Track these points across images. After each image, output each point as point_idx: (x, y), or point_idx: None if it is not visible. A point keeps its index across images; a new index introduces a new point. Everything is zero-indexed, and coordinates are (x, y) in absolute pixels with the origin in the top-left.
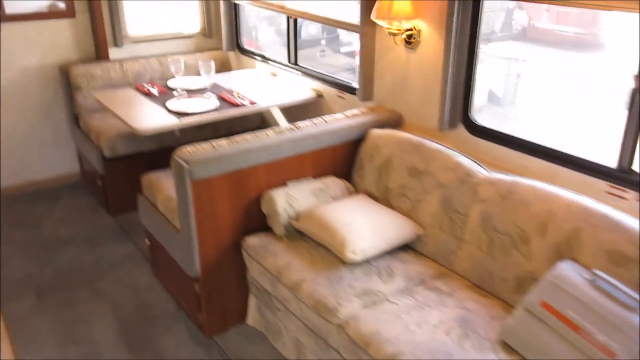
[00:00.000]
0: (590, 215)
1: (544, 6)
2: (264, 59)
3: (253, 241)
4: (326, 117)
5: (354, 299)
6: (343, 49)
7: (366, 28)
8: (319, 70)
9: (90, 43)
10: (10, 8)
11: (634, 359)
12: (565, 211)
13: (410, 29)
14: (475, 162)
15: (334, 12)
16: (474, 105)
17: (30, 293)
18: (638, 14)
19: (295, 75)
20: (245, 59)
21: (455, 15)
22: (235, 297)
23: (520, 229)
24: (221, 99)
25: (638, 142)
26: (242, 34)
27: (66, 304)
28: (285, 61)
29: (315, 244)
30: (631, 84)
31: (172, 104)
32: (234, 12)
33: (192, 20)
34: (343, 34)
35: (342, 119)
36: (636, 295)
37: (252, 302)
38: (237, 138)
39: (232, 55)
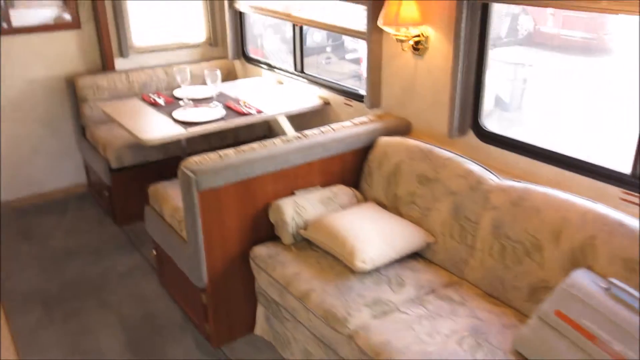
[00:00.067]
0: (605, 223)
1: (549, 10)
2: (270, 67)
3: (261, 251)
4: (334, 125)
5: (363, 308)
6: (348, 56)
7: (373, 35)
8: (325, 78)
9: (96, 54)
10: (17, 21)
11: None
12: (580, 218)
13: (418, 36)
14: (485, 169)
15: (340, 19)
16: (483, 111)
17: (37, 304)
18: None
19: (302, 83)
20: (251, 67)
21: (464, 20)
22: (243, 307)
23: (532, 236)
24: (227, 108)
25: None
26: (247, 42)
27: (73, 315)
28: (292, 69)
29: (324, 253)
30: None
31: (178, 113)
32: (239, 20)
33: (197, 30)
34: (348, 41)
35: (350, 127)
36: None
37: (260, 312)
38: (244, 147)
39: (238, 64)
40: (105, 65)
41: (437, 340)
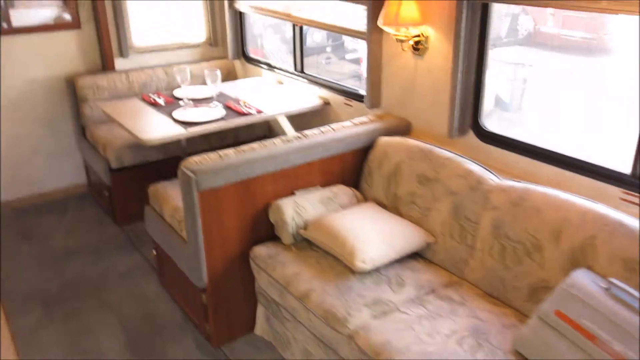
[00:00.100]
0: (605, 223)
1: (549, 10)
2: (270, 67)
3: (261, 251)
4: (334, 125)
5: (363, 308)
6: (348, 56)
7: (373, 35)
8: (325, 78)
9: (96, 54)
10: (17, 21)
11: None
12: (580, 218)
13: (418, 36)
14: (485, 169)
15: (340, 19)
16: (483, 111)
17: (37, 304)
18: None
19: (302, 83)
20: (251, 67)
21: (464, 20)
22: (243, 307)
23: (533, 236)
24: (227, 107)
25: None
26: (247, 42)
27: (73, 315)
28: (292, 69)
29: (324, 253)
30: None
31: (178, 113)
32: (240, 20)
33: (197, 30)
34: (348, 41)
35: (350, 127)
36: None
37: (260, 312)
38: (244, 147)
39: (238, 64)
40: (105, 65)
41: (437, 341)
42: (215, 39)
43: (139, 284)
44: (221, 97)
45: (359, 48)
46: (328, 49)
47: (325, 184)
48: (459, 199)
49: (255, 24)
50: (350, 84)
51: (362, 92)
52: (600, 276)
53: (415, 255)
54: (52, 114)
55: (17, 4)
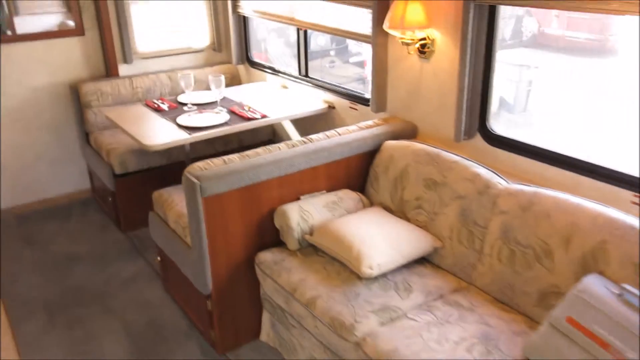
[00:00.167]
0: (617, 227)
1: (554, 12)
2: (274, 71)
3: (266, 257)
4: (339, 129)
5: (371, 315)
6: (352, 59)
7: (378, 38)
8: (330, 82)
9: (99, 60)
10: (21, 28)
11: None
12: (590, 223)
13: (424, 39)
14: (494, 172)
15: (344, 22)
16: (491, 114)
17: (40, 311)
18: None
19: (307, 87)
20: (255, 72)
21: (470, 23)
22: (249, 313)
23: (543, 241)
24: (232, 112)
25: None
26: (251, 47)
27: (77, 321)
28: (296, 73)
29: (330, 258)
30: None
31: (182, 119)
32: (243, 25)
33: (201, 35)
34: (352, 44)
35: (356, 131)
36: None
37: (266, 318)
38: (249, 152)
39: (242, 69)
40: (109, 71)
41: (446, 348)
42: (219, 44)
43: (143, 290)
44: (225, 102)
45: (363, 51)
46: (332, 53)
47: (331, 188)
48: (466, 203)
49: (259, 28)
50: (355, 87)
51: (367, 95)
52: (612, 281)
53: (423, 260)
54: (56, 120)
55: (21, 11)
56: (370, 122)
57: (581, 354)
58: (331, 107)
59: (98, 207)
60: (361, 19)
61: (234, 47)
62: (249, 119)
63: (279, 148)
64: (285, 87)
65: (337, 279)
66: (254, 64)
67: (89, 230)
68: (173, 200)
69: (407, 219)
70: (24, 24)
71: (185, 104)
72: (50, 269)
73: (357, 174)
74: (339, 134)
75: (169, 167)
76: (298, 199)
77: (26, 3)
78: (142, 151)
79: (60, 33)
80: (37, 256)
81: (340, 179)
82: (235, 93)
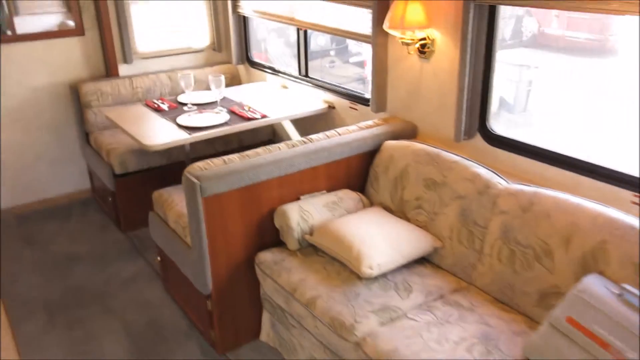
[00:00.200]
0: (617, 227)
1: (554, 12)
2: (274, 71)
3: (266, 257)
4: (339, 129)
5: (371, 315)
6: (352, 59)
7: (378, 38)
8: (330, 82)
9: (99, 60)
10: (21, 29)
11: None
12: (590, 223)
13: (424, 39)
14: (494, 172)
15: (344, 22)
16: (491, 114)
17: (40, 311)
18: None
19: (306, 87)
20: (255, 72)
21: (470, 23)
22: (249, 313)
23: (543, 241)
24: (232, 112)
25: None
26: (251, 47)
27: (76, 321)
28: (296, 73)
29: (330, 258)
30: None
31: (182, 119)
32: (243, 25)
33: (201, 35)
34: (352, 44)
35: (356, 131)
36: None
37: (266, 318)
38: (249, 152)
39: (242, 69)
40: (109, 71)
41: (446, 348)
42: (219, 44)
43: (143, 290)
44: (225, 102)
45: (363, 51)
46: (332, 53)
47: (331, 188)
48: (466, 203)
49: (259, 28)
50: (355, 87)
51: (367, 95)
52: (612, 281)
53: (423, 260)
54: (56, 120)
55: (21, 11)
56: (370, 122)
57: (581, 354)
58: (331, 107)
59: (98, 207)
60: (361, 19)
61: (234, 47)
62: (249, 119)
63: (279, 148)
64: (285, 87)
65: (337, 279)
66: (254, 64)
67: (89, 230)
68: (173, 200)
69: (407, 219)
70: (24, 24)
71: (185, 104)
72: (50, 269)
73: (357, 174)
74: (339, 134)
75: (169, 167)
76: (298, 199)
77: (26, 3)
78: (142, 151)
79: (60, 33)
80: (37, 256)
81: (340, 179)
82: (235, 93)
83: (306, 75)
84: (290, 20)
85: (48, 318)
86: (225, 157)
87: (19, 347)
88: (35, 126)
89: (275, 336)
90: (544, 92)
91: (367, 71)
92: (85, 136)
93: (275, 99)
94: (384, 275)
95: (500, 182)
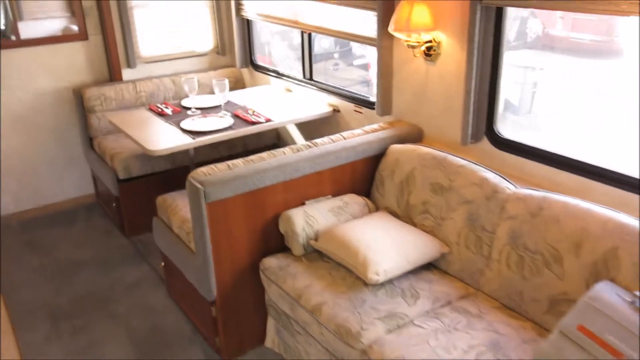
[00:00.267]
0: (627, 232)
1: (558, 13)
2: (279, 74)
3: (271, 262)
4: (344, 133)
5: (377, 322)
6: (356, 62)
7: (383, 41)
8: (334, 85)
9: (103, 65)
10: (25, 34)
11: None
12: (601, 228)
13: (430, 41)
14: (501, 176)
15: (348, 25)
16: (498, 117)
17: (44, 316)
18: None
19: (311, 91)
20: (259, 75)
21: (477, 25)
22: (253, 319)
23: (552, 247)
24: (236, 116)
25: None
26: (255, 50)
27: (80, 327)
28: (300, 76)
29: (336, 264)
30: None
31: (186, 123)
32: (247, 28)
33: (204, 38)
34: (356, 47)
35: (361, 135)
36: None
37: (271, 324)
38: (253, 157)
39: (245, 72)
40: (113, 75)
41: (454, 356)
42: (222, 48)
43: (147, 295)
44: (229, 106)
45: (367, 54)
46: (336, 55)
47: (336, 193)
48: (474, 208)
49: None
50: (359, 90)
51: (373, 98)
52: (624, 289)
53: (430, 266)
54: (59, 125)
55: (25, 16)
56: (375, 126)
57: None
58: (336, 111)
59: (102, 212)
60: (366, 22)
61: (237, 50)
62: (253, 123)
63: (284, 152)
64: (289, 90)
65: (342, 285)
66: (257, 68)
67: (93, 236)
68: (177, 206)
69: (414, 224)
70: (27, 29)
71: (189, 108)
72: (54, 274)
73: (362, 179)
74: (344, 138)
75: (173, 171)
76: (303, 203)
77: (30, 8)
78: (146, 156)
79: (63, 38)
80: (40, 261)
81: (345, 184)
82: (239, 97)
83: (311, 78)
84: (294, 23)
85: (51, 324)
86: (230, 162)
87: (22, 354)
88: (38, 131)
89: (280, 342)
90: (549, 93)
91: (371, 74)
92: (89, 141)
93: (279, 103)
94: (390, 282)
95: (508, 187)
